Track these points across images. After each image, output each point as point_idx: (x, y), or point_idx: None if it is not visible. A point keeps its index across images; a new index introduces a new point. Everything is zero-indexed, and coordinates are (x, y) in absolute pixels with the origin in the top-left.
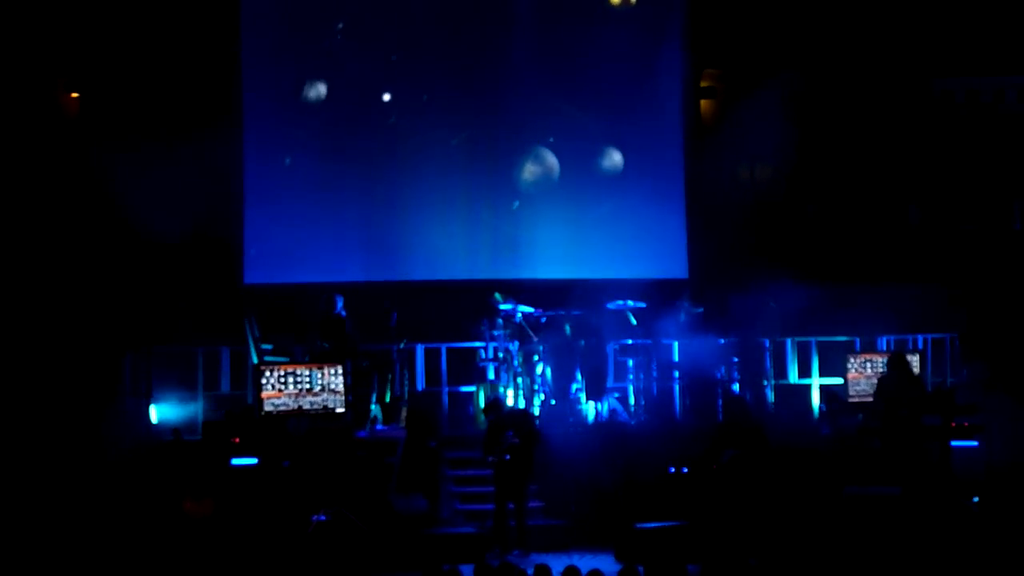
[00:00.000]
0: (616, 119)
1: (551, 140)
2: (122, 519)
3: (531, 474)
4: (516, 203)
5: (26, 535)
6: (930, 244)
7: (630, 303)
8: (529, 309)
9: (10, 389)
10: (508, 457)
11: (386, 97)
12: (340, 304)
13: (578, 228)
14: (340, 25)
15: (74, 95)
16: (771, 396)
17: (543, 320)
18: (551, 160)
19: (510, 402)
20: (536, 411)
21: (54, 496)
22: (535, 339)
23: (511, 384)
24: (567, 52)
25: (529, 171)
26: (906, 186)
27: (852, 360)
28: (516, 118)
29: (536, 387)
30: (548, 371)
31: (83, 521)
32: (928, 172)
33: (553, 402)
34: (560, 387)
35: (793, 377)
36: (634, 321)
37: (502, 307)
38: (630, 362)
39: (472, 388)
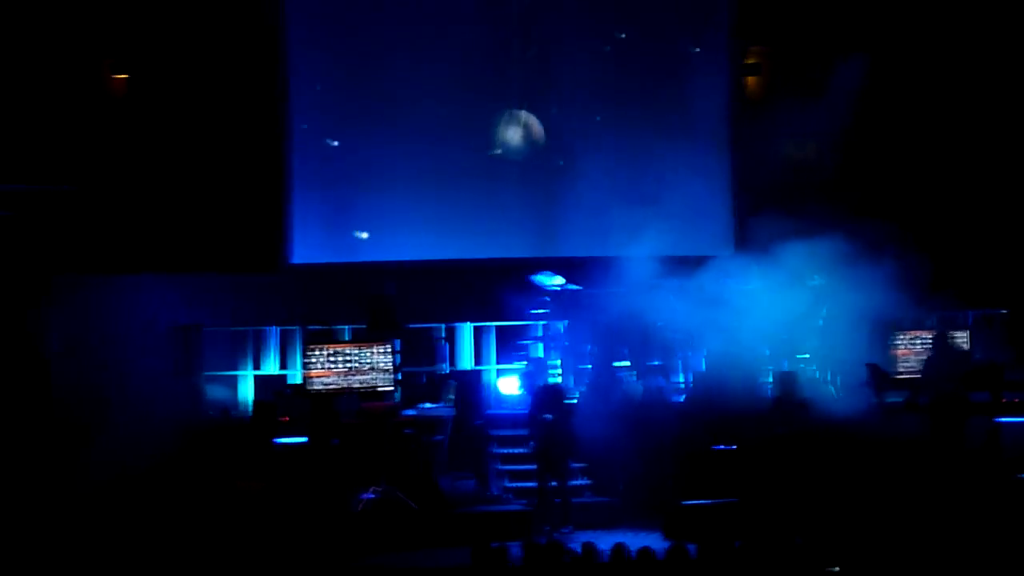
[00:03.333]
0: (662, 96)
1: (597, 118)
2: (175, 496)
3: (570, 451)
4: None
5: (75, 512)
6: (978, 221)
7: (676, 280)
8: (576, 287)
9: (60, 367)
10: (544, 434)
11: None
12: (389, 283)
13: (624, 205)
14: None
15: (122, 76)
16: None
17: (590, 298)
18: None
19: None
20: (584, 388)
21: (104, 473)
22: (581, 317)
23: (558, 362)
24: (612, 27)
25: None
26: (954, 164)
27: (900, 337)
28: (563, 95)
29: (582, 365)
30: (594, 349)
31: (135, 498)
32: (967, 150)
33: (601, 380)
34: (606, 364)
35: (841, 353)
36: (679, 298)
37: (548, 286)
38: (677, 339)
39: (519, 366)
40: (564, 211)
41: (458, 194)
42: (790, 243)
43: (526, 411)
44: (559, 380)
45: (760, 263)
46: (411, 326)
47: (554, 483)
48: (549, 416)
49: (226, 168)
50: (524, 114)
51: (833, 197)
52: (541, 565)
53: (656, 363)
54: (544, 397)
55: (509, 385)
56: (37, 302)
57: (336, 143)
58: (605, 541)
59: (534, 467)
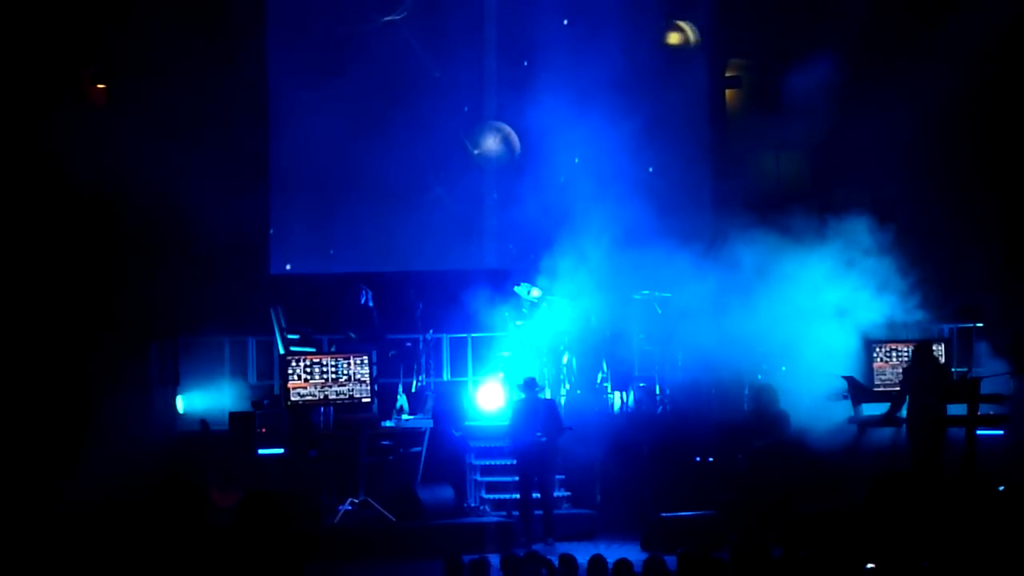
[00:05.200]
0: (642, 108)
1: (578, 129)
2: (149, 508)
3: (555, 464)
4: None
5: (50, 525)
6: (955, 233)
7: (656, 293)
8: (556, 298)
9: (36, 379)
10: (535, 449)
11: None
12: (367, 294)
13: (602, 216)
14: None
15: (101, 86)
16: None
17: (570, 310)
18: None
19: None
20: (562, 401)
21: (78, 486)
22: (560, 328)
23: (536, 375)
24: (593, 39)
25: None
26: (929, 178)
27: (877, 349)
28: (540, 106)
29: (562, 377)
30: (574, 360)
31: (109, 511)
32: (942, 165)
33: (579, 392)
34: (586, 377)
35: (820, 366)
36: (659, 310)
37: (528, 297)
38: (656, 351)
39: (497, 377)
40: (540, 222)
41: (437, 204)
42: (769, 254)
43: (510, 423)
44: (548, 394)
45: (739, 273)
46: (390, 337)
47: (536, 495)
48: (544, 438)
49: (206, 178)
50: (502, 125)
51: (811, 208)
52: None
53: (634, 375)
54: (535, 412)
55: (490, 398)
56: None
57: (317, 153)
58: (582, 553)
59: (513, 479)
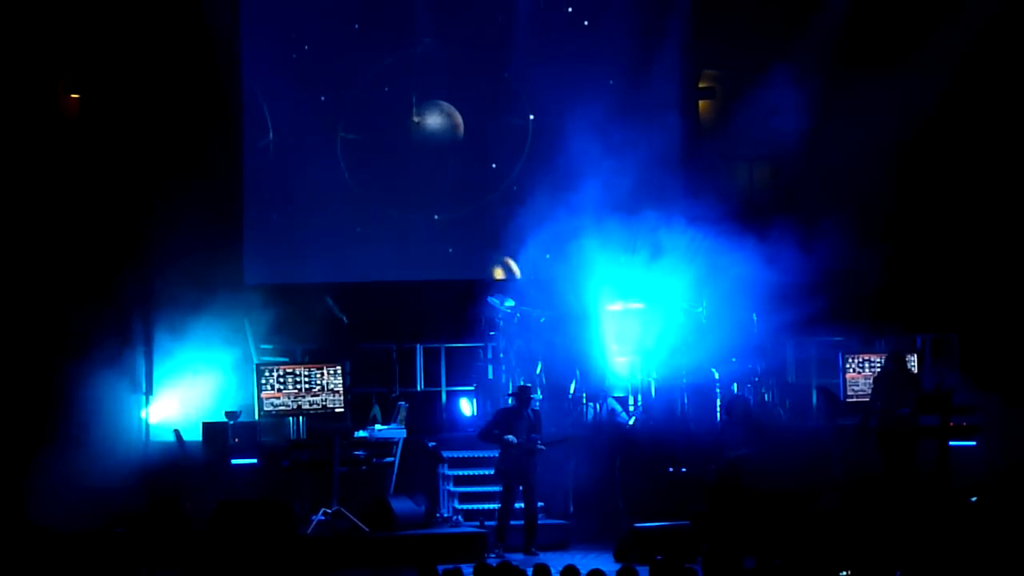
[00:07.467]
0: (615, 119)
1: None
2: (121, 519)
3: (538, 474)
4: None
5: (22, 533)
6: (930, 242)
7: (629, 303)
8: (529, 309)
9: (6, 387)
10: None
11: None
12: (336, 306)
13: (576, 224)
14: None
15: (75, 96)
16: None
17: (542, 320)
18: None
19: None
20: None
21: (49, 494)
22: (534, 339)
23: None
24: (564, 51)
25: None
26: (905, 189)
27: (850, 360)
28: (512, 118)
29: (535, 386)
30: (545, 371)
31: (81, 519)
32: (918, 174)
33: (546, 402)
34: (558, 387)
35: (791, 377)
36: (631, 321)
37: (501, 307)
38: (630, 362)
39: (471, 388)
40: (514, 233)
41: (410, 215)
42: (742, 264)
43: (492, 426)
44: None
45: (711, 285)
46: (363, 346)
47: (519, 504)
48: (543, 447)
49: (179, 188)
50: (447, 104)
51: (785, 218)
52: None
53: (607, 386)
54: (524, 420)
55: (466, 408)
56: None
57: (289, 162)
58: (556, 563)
59: (485, 489)
